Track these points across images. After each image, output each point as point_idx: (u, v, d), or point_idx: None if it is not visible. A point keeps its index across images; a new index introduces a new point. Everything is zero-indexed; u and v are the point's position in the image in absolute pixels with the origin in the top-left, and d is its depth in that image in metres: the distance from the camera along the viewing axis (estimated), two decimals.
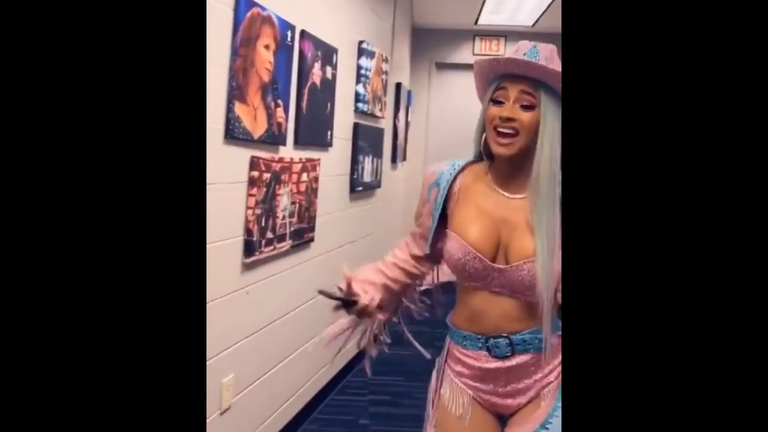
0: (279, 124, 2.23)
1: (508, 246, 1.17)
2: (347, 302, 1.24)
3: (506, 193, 1.21)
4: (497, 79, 1.17)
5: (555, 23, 5.01)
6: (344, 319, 1.32)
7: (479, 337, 1.22)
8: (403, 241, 1.39)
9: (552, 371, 1.22)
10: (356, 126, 3.19)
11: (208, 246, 1.77)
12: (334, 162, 2.92)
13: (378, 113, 3.53)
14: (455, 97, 5.45)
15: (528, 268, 1.14)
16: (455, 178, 1.25)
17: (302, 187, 2.48)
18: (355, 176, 3.21)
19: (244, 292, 2.10)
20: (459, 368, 1.27)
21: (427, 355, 1.40)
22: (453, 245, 1.20)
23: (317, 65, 2.57)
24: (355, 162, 3.20)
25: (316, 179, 2.62)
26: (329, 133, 2.80)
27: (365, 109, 3.27)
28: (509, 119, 1.14)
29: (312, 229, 2.64)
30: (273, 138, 2.19)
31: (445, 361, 1.31)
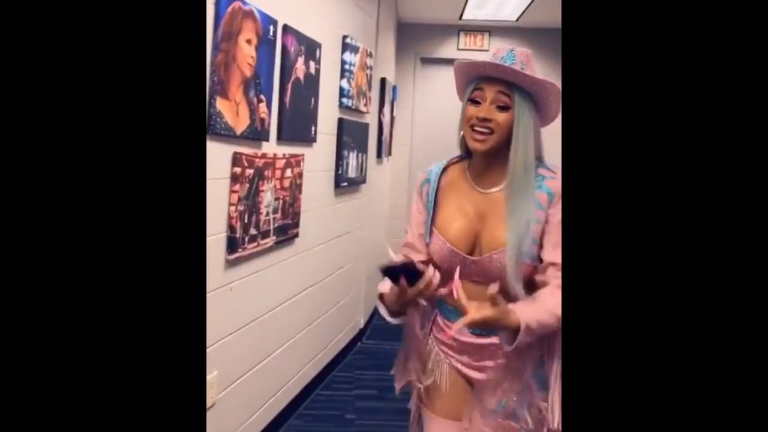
0: (262, 120, 2.22)
1: (481, 238, 1.27)
2: (412, 275, 1.14)
3: (481, 189, 1.31)
4: (476, 80, 1.27)
5: (539, 18, 5.03)
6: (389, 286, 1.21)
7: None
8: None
9: (521, 353, 1.28)
10: (341, 121, 3.18)
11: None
12: (318, 157, 2.91)
13: (363, 108, 3.52)
14: (440, 91, 5.44)
15: (496, 258, 1.23)
16: (441, 174, 1.35)
17: (286, 183, 2.47)
18: (339, 172, 3.20)
19: (227, 288, 2.09)
20: (440, 336, 1.38)
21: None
22: (436, 242, 1.31)
23: (300, 60, 2.56)
24: (339, 157, 3.19)
25: (300, 175, 2.61)
26: (313, 128, 2.79)
27: (350, 104, 3.26)
28: (485, 119, 1.23)
29: (296, 225, 2.63)
30: (256, 133, 2.18)
31: (431, 329, 1.41)
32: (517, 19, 5.13)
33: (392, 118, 4.79)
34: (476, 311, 1.12)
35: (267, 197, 2.29)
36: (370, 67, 3.65)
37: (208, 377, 2.01)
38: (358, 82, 3.40)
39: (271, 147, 2.35)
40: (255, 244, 2.22)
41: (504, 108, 1.23)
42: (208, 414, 2.03)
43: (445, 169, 1.36)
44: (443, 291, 1.23)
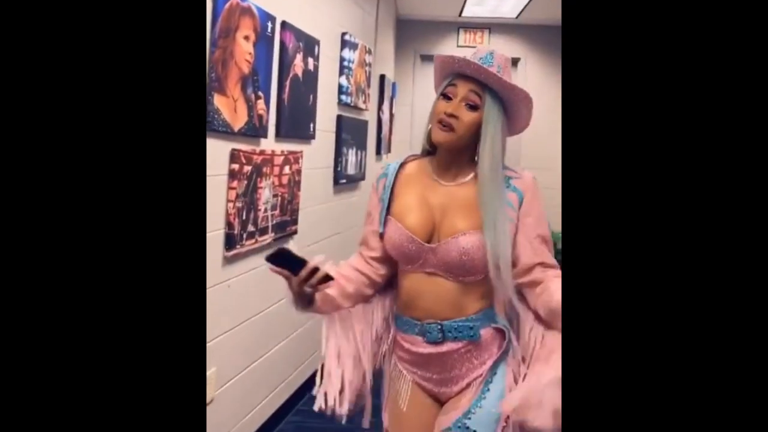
0: (260, 116, 2.21)
1: (440, 227, 1.27)
2: (295, 263, 1.23)
3: (443, 182, 1.31)
4: (451, 75, 1.27)
5: (538, 15, 5.02)
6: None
7: (415, 322, 1.30)
8: (355, 253, 1.43)
9: (483, 363, 1.28)
10: (339, 118, 3.18)
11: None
12: (317, 154, 2.90)
13: (362, 105, 3.52)
14: None
15: (455, 242, 1.23)
16: (399, 169, 1.36)
17: (284, 180, 2.47)
18: (338, 169, 3.20)
19: (225, 285, 2.09)
20: (400, 353, 1.35)
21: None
22: (392, 229, 1.30)
23: (299, 57, 2.55)
24: (338, 154, 3.19)
25: (298, 172, 2.61)
26: (312, 125, 2.79)
27: (348, 101, 3.26)
28: (452, 115, 1.24)
29: (295, 221, 2.63)
30: (254, 130, 2.18)
31: (392, 347, 1.39)
32: (517, 16, 5.13)
33: (391, 115, 4.79)
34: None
35: (265, 194, 2.29)
36: (369, 64, 3.65)
37: (207, 373, 2.02)
38: (357, 79, 3.40)
39: (269, 144, 2.34)
40: (253, 240, 2.22)
41: (473, 107, 1.24)
42: (207, 410, 2.03)
43: (402, 165, 1.37)
44: (330, 285, 1.25)
